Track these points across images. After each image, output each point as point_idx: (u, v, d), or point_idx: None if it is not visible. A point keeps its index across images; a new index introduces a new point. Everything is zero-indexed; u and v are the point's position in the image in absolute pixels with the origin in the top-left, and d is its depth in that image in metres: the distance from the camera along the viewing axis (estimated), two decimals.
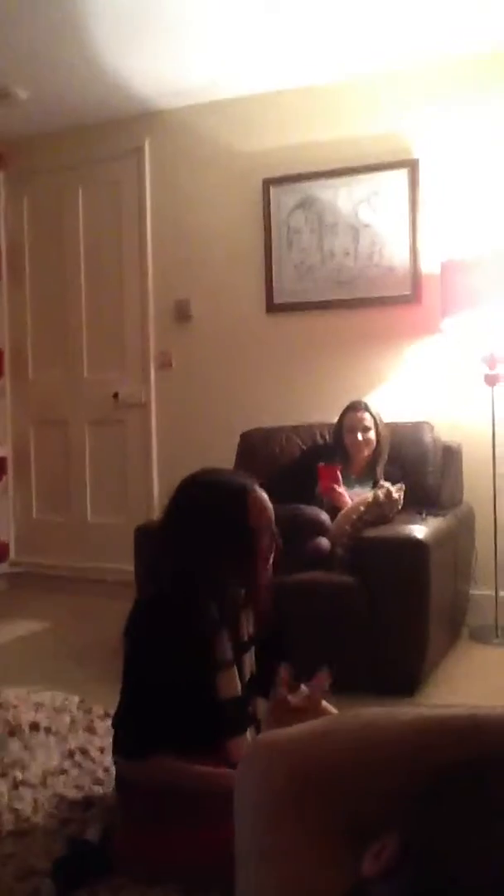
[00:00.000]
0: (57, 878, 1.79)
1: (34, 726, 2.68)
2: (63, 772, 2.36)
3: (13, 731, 2.65)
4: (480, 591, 3.73)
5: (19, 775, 2.33)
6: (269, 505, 2.03)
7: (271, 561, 2.05)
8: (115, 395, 4.69)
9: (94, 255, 4.78)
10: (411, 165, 3.96)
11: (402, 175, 3.97)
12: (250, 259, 4.33)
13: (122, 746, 1.93)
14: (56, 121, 4.63)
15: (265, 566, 2.03)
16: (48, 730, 2.66)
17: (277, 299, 4.29)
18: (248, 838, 0.79)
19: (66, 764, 2.42)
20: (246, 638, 2.08)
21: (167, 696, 1.86)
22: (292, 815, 0.76)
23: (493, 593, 3.64)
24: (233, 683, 1.95)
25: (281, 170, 4.21)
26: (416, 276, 3.97)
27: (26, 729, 2.66)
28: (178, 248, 4.53)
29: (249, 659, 2.09)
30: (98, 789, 2.26)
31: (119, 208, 4.71)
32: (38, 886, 1.79)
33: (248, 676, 2.06)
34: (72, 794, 2.24)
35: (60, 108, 4.46)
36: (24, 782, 2.29)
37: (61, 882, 1.79)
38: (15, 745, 2.55)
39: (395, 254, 4.01)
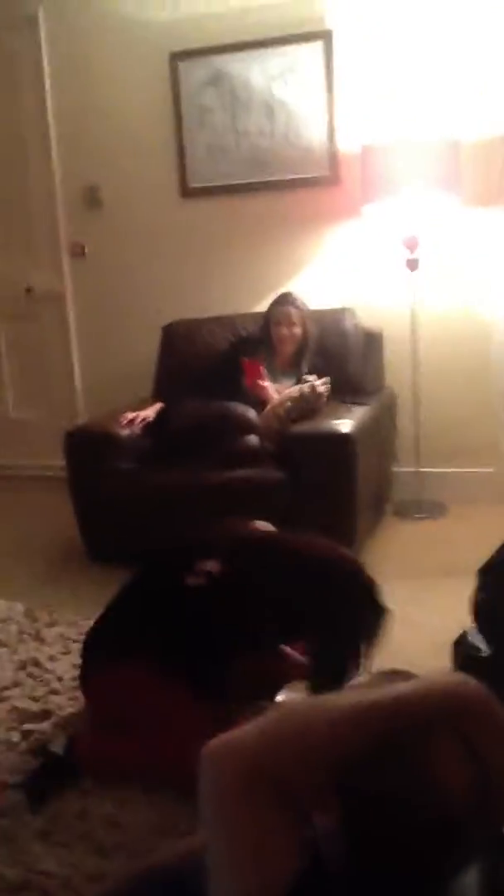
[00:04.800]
0: (29, 792, 1.90)
1: None
2: (17, 684, 2.44)
3: None
4: (403, 468, 3.89)
5: None
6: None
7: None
8: (29, 290, 4.52)
9: None
10: (325, 37, 3.78)
11: (316, 48, 3.79)
12: (161, 140, 4.13)
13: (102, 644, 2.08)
14: None
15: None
16: (1, 642, 2.71)
17: (192, 183, 4.14)
18: (210, 827, 0.90)
19: (20, 675, 2.49)
20: None
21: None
22: (243, 807, 0.87)
23: (415, 470, 3.81)
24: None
25: (189, 42, 3.96)
26: (334, 157, 3.87)
27: None
28: (83, 129, 4.27)
29: None
30: (54, 699, 2.35)
31: (16, 84, 4.38)
32: (9, 798, 1.89)
33: None
34: (29, 706, 2.32)
35: None
36: None
37: (31, 794, 1.91)
38: None
39: (313, 133, 3.89)
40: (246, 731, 0.91)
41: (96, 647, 2.13)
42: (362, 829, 0.87)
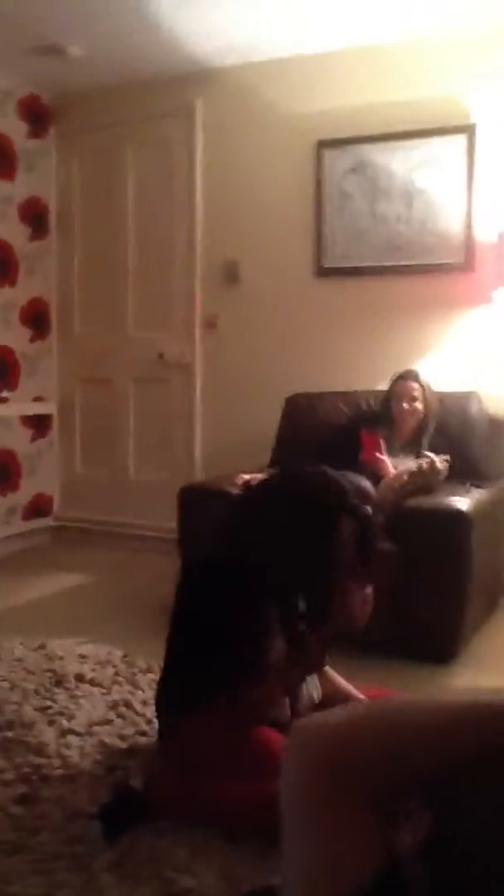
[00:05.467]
0: (103, 822, 1.87)
1: (79, 677, 2.77)
2: (108, 722, 2.44)
3: (59, 682, 2.73)
4: None
5: (66, 724, 2.41)
6: (371, 531, 1.90)
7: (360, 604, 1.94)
8: (161, 355, 4.72)
9: (143, 215, 4.79)
10: (469, 130, 3.89)
11: (459, 140, 3.90)
12: (301, 222, 4.31)
13: (168, 700, 2.00)
14: (108, 78, 4.61)
15: (346, 602, 1.90)
16: (93, 681, 2.74)
17: (327, 263, 4.27)
18: (289, 812, 0.83)
19: (111, 714, 2.49)
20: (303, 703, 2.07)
21: (215, 652, 1.91)
22: (326, 795, 0.80)
23: None
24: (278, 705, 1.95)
25: (335, 132, 4.16)
26: (469, 244, 3.92)
27: (72, 680, 2.75)
28: (228, 209, 4.51)
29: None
30: (141, 739, 2.33)
31: (169, 168, 4.70)
32: (86, 827, 1.87)
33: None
34: (116, 743, 2.32)
35: (113, 65, 4.44)
36: (70, 730, 2.37)
37: (107, 826, 1.88)
38: (62, 696, 2.63)
39: (450, 221, 3.96)
40: (333, 714, 0.85)
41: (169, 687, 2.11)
42: (450, 849, 0.80)
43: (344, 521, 1.90)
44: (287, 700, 2.03)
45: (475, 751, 0.81)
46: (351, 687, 2.24)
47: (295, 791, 0.84)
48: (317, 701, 2.17)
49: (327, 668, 2.26)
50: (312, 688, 2.17)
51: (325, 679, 2.25)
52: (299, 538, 1.86)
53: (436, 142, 3.96)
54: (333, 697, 2.15)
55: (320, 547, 1.87)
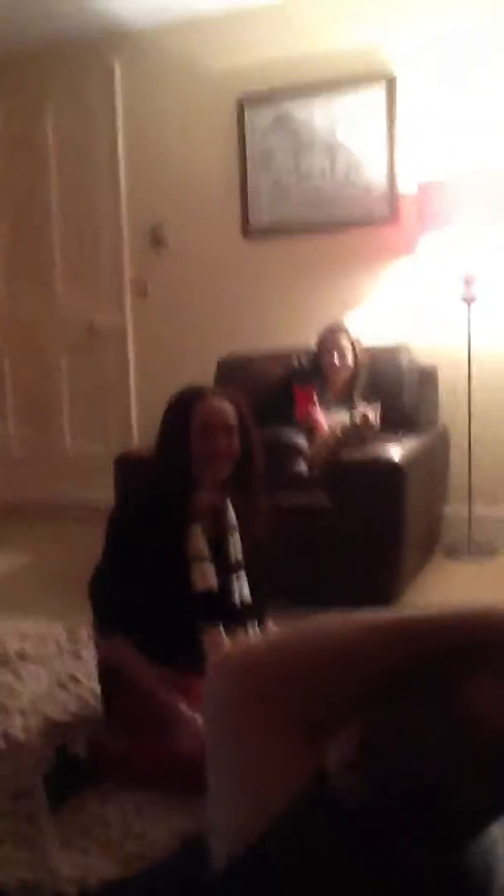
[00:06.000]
0: (48, 790, 1.87)
1: (21, 655, 2.74)
2: (52, 697, 2.42)
3: (1, 661, 2.70)
4: (454, 508, 3.79)
5: (9, 702, 2.39)
6: (221, 410, 2.13)
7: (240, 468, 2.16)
8: (92, 324, 4.64)
9: (66, 179, 4.67)
10: (389, 82, 3.86)
11: (379, 92, 3.88)
12: (225, 182, 4.25)
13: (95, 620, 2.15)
14: (25, 42, 4.44)
15: (207, 469, 2.14)
16: (35, 658, 2.71)
17: (254, 223, 4.23)
18: (214, 739, 0.83)
19: (55, 690, 2.47)
20: (233, 560, 2.18)
21: (137, 581, 2.07)
22: (254, 718, 0.79)
23: (467, 511, 3.71)
24: (206, 576, 2.10)
25: (255, 88, 4.09)
26: (393, 197, 3.92)
27: (14, 658, 2.72)
28: (151, 171, 4.42)
29: (239, 583, 2.18)
30: (87, 712, 2.32)
31: (91, 130, 4.58)
32: (31, 803, 1.86)
33: (239, 601, 2.16)
34: (62, 717, 2.30)
35: (28, 27, 4.28)
36: (14, 708, 2.35)
37: (54, 794, 1.87)
38: (4, 675, 2.60)
39: (373, 174, 3.95)
40: (258, 638, 0.85)
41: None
42: (382, 764, 0.79)
43: (199, 405, 2.14)
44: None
45: (402, 663, 0.81)
46: None
47: (220, 712, 0.82)
48: None
49: (269, 623, 2.27)
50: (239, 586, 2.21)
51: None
52: (165, 434, 2.19)
53: (356, 94, 3.92)
54: None
55: (180, 434, 2.14)
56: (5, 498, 4.95)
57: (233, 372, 3.96)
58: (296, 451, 3.23)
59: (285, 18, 4.01)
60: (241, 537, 2.20)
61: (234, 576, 2.18)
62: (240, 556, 2.20)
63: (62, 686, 2.50)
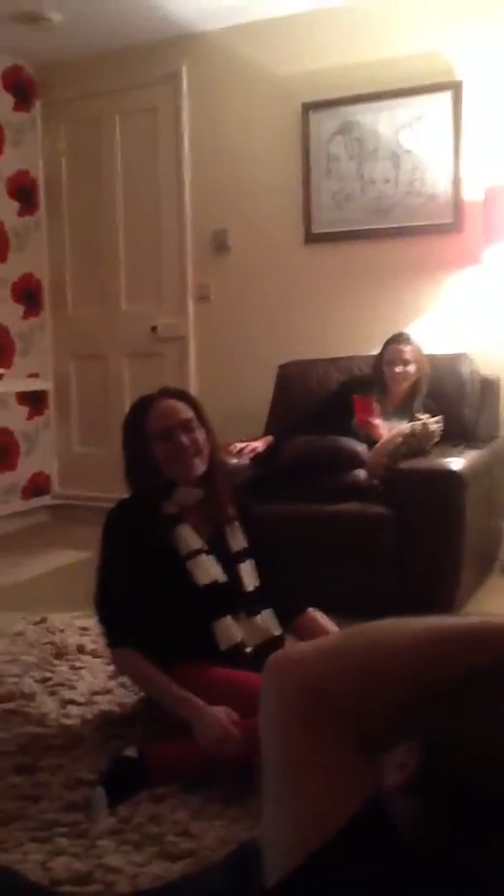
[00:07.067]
0: (105, 789, 1.90)
1: (80, 649, 2.80)
2: (108, 691, 2.47)
3: (60, 654, 2.76)
4: None
5: (67, 694, 2.44)
6: (173, 408, 2.20)
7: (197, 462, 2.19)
8: (154, 329, 4.70)
9: (132, 185, 4.75)
10: (455, 88, 3.83)
11: (445, 98, 3.85)
12: (288, 187, 4.26)
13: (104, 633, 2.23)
14: (91, 46, 4.54)
15: (178, 468, 2.18)
16: (94, 653, 2.76)
17: (316, 229, 4.23)
18: (268, 750, 0.81)
19: (111, 684, 2.52)
20: (236, 549, 2.23)
21: (135, 595, 2.12)
22: (305, 730, 0.77)
23: None
24: (206, 570, 2.15)
25: (321, 94, 4.10)
26: (458, 204, 3.88)
27: (73, 651, 2.77)
28: (215, 177, 4.47)
29: (247, 570, 2.24)
30: (142, 707, 2.35)
31: (156, 135, 4.65)
32: (88, 796, 1.89)
33: (249, 588, 2.21)
34: (117, 711, 2.34)
35: (95, 32, 4.37)
36: (71, 701, 2.40)
37: (109, 792, 1.90)
38: (62, 667, 2.66)
39: (437, 181, 3.92)
40: (307, 645, 0.82)
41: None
42: (441, 781, 0.74)
43: (153, 407, 2.23)
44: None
45: (462, 673, 0.77)
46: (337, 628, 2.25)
47: (272, 723, 0.80)
48: (276, 634, 2.21)
49: (316, 614, 2.29)
50: (270, 622, 2.21)
51: (310, 621, 2.27)
52: (126, 441, 2.29)
53: (422, 100, 3.90)
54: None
55: (136, 438, 2.23)
56: (69, 499, 5.04)
57: (293, 378, 3.98)
58: (355, 459, 3.22)
59: (351, 23, 4.02)
60: (206, 523, 2.23)
61: (240, 564, 2.22)
62: (243, 544, 2.24)
63: (118, 682, 2.54)
